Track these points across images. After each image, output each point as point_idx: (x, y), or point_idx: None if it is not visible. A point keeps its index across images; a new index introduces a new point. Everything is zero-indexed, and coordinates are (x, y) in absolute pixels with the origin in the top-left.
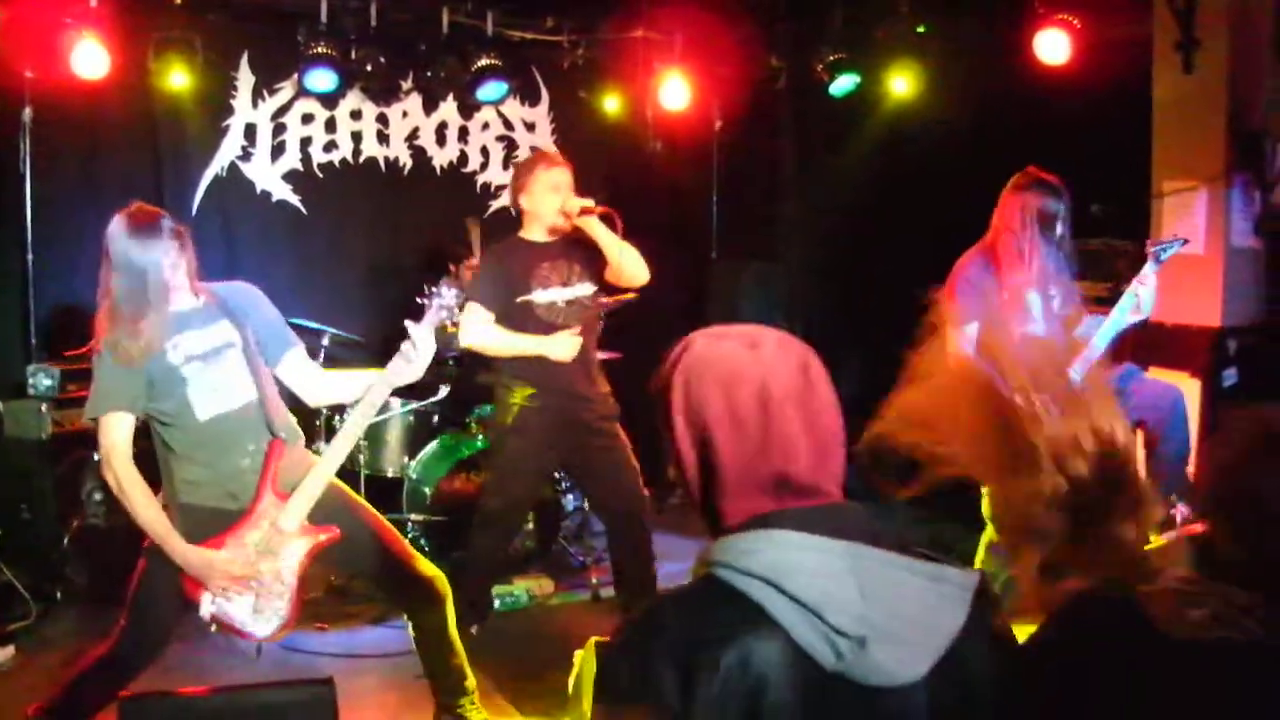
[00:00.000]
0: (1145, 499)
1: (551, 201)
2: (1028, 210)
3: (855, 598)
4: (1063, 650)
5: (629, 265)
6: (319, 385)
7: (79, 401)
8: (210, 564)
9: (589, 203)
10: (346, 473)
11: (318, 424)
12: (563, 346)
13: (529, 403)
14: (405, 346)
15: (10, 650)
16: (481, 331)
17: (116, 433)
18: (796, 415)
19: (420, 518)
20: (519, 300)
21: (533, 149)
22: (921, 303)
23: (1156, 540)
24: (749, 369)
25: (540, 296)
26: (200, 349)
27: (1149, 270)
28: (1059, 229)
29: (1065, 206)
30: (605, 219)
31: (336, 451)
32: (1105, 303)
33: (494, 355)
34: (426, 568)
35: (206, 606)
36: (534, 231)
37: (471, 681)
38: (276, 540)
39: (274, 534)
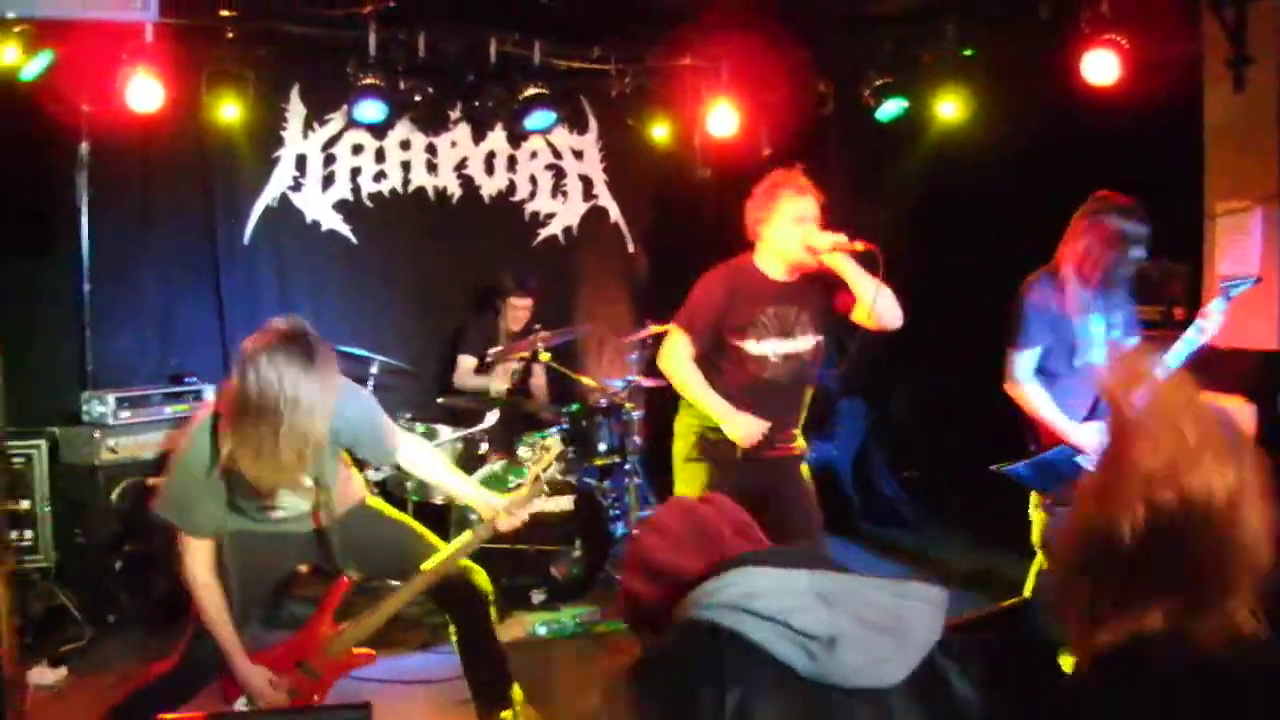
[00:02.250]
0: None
1: (795, 235)
2: (1108, 234)
3: (819, 606)
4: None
5: (883, 310)
6: (429, 471)
7: (133, 428)
8: (261, 686)
9: (842, 238)
10: (395, 499)
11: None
12: (745, 431)
13: (710, 434)
14: (495, 520)
15: (63, 672)
16: (681, 370)
17: (199, 553)
18: (714, 513)
19: None
20: (729, 340)
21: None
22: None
23: None
24: (670, 514)
25: (753, 349)
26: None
27: (1216, 307)
28: (1137, 253)
29: (1144, 230)
30: (865, 257)
31: (396, 599)
32: (1155, 326)
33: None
34: (467, 565)
35: (241, 705)
36: (768, 263)
37: (517, 693)
38: (322, 665)
39: (321, 660)
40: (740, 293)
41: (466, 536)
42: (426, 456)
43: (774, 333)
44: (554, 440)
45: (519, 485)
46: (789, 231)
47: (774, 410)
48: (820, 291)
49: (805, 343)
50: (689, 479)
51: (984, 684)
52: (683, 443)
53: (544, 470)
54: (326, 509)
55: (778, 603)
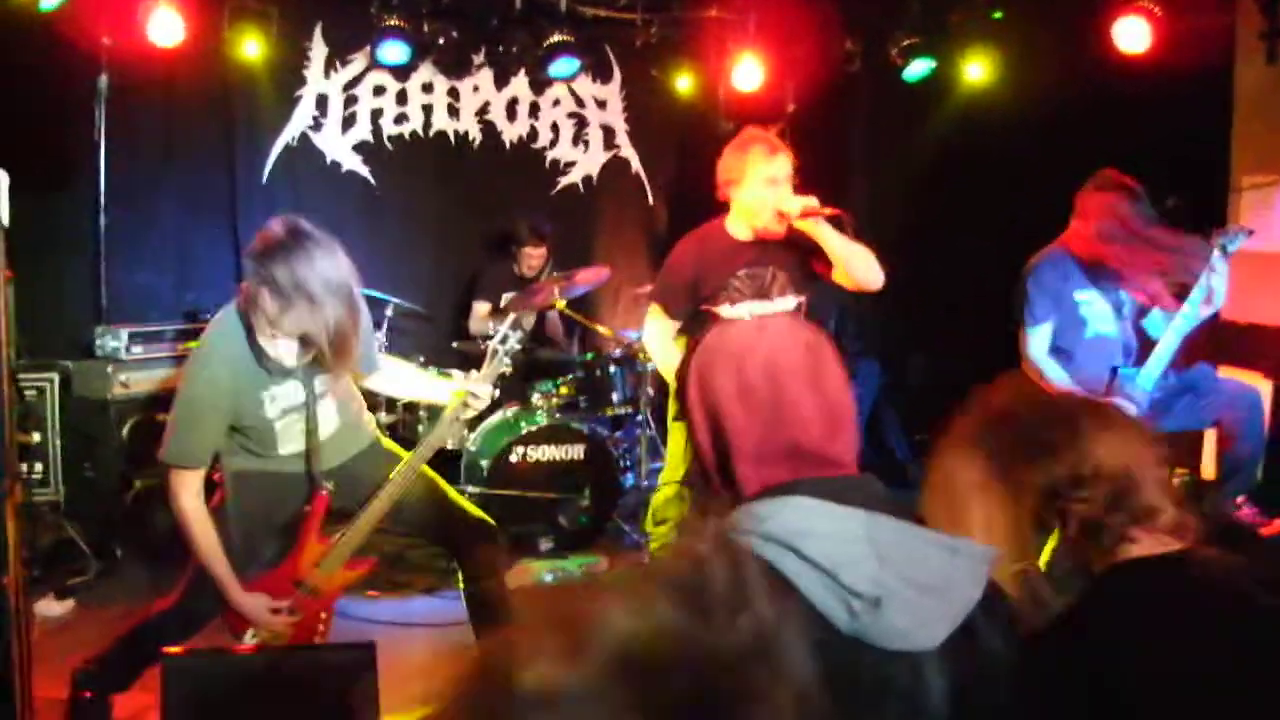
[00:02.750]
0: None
1: (766, 198)
2: (1112, 212)
3: (870, 560)
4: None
5: (859, 271)
6: (390, 382)
7: (145, 364)
8: (261, 612)
9: (813, 202)
10: (407, 443)
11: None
12: None
13: None
14: (457, 402)
15: (70, 604)
16: (658, 347)
17: (194, 484)
18: (805, 387)
19: (477, 490)
20: (704, 308)
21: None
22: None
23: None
24: (756, 347)
25: (727, 312)
26: (294, 401)
27: (1218, 261)
28: (1149, 225)
29: (1145, 209)
30: (834, 221)
31: (379, 505)
32: (1179, 297)
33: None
34: (476, 513)
35: (249, 639)
36: (739, 226)
37: None
38: (318, 581)
39: (318, 577)
40: (709, 259)
41: (438, 426)
42: (394, 368)
43: (748, 295)
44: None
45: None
46: (760, 194)
47: None
48: (796, 252)
49: (785, 304)
50: (678, 436)
51: (1015, 641)
52: (675, 401)
53: (500, 342)
54: (313, 435)
55: (829, 549)
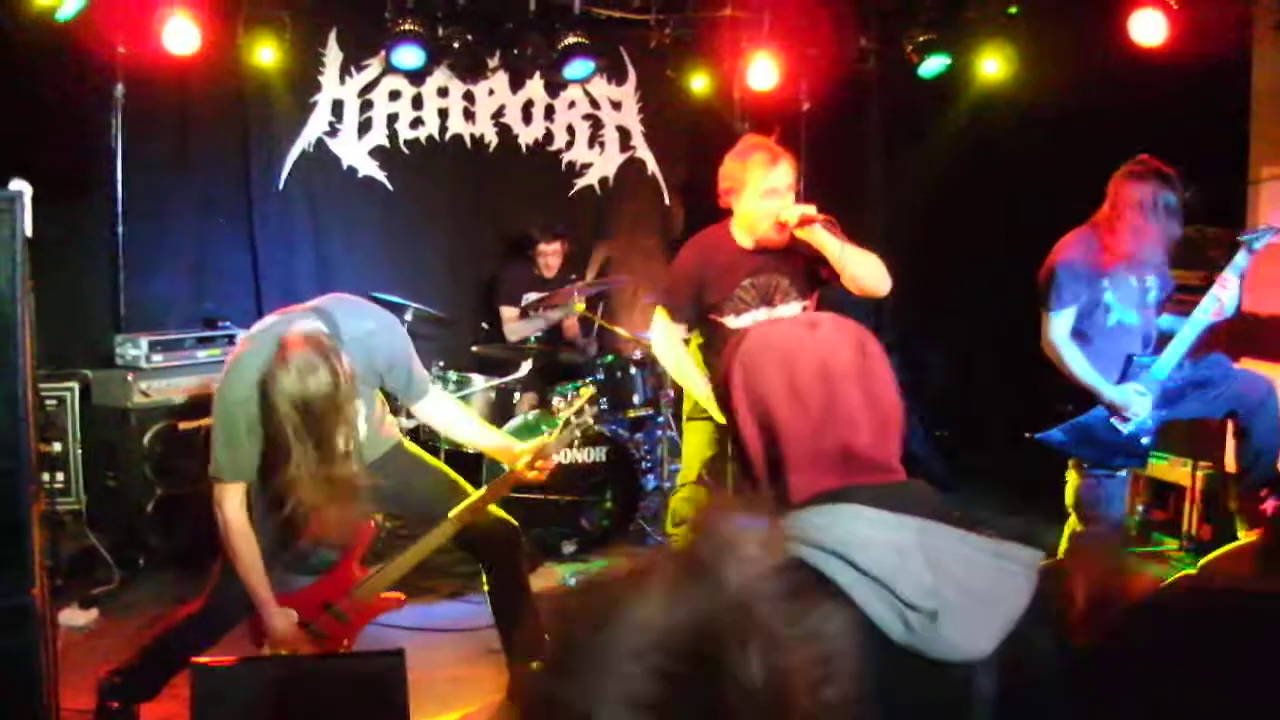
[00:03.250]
0: None
1: (766, 209)
2: (1148, 199)
3: (925, 571)
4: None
5: (864, 276)
6: (441, 419)
7: (165, 372)
8: (288, 628)
9: (810, 210)
10: (428, 448)
11: None
12: None
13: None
14: (520, 465)
15: (94, 614)
16: (666, 350)
17: (236, 497)
18: (857, 390)
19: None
20: (710, 316)
21: (743, 135)
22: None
23: (1245, 535)
24: (807, 348)
25: (732, 322)
26: None
27: (1228, 274)
28: (1173, 220)
29: (1179, 199)
30: (826, 226)
31: (425, 544)
32: (1196, 291)
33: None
34: (498, 514)
35: (269, 649)
36: (741, 234)
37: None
38: (349, 607)
39: (349, 604)
40: (714, 266)
41: (495, 483)
42: (448, 409)
43: (753, 304)
44: (587, 388)
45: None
46: (759, 205)
47: None
48: (801, 258)
49: (791, 310)
50: (693, 437)
51: (1064, 648)
52: (688, 401)
53: (574, 415)
54: (357, 451)
55: (883, 559)
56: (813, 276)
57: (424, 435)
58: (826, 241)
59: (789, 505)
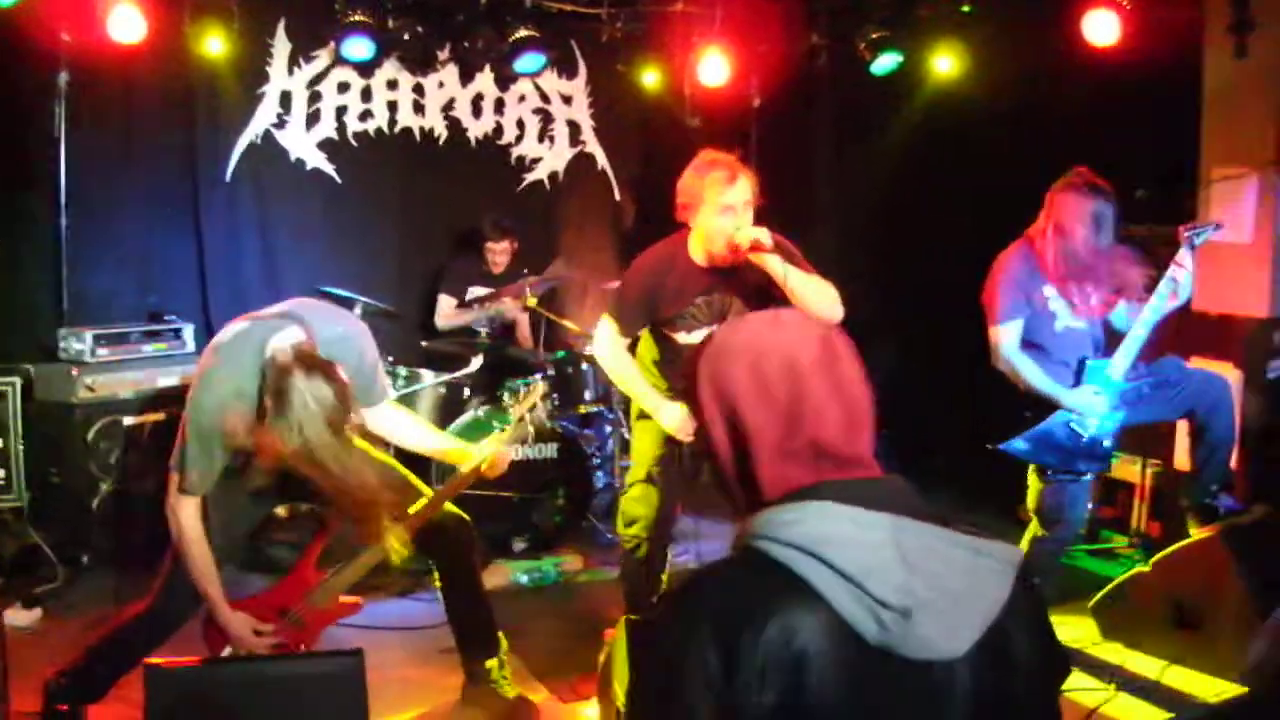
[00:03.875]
0: None
1: (721, 227)
2: (1081, 211)
3: (898, 568)
4: None
5: (813, 304)
6: (392, 428)
7: (110, 366)
8: (244, 632)
9: (763, 235)
10: (378, 443)
11: None
12: (675, 421)
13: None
14: (474, 465)
15: (37, 613)
16: (610, 359)
17: (193, 504)
18: (824, 384)
19: None
20: (663, 331)
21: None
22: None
23: (1197, 532)
24: (772, 343)
25: (683, 339)
26: None
27: (1184, 255)
28: (1106, 233)
29: (1114, 212)
30: (779, 252)
31: (376, 552)
32: (1146, 292)
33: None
34: (451, 511)
35: (228, 653)
36: (697, 250)
37: (503, 641)
38: (305, 612)
39: (306, 609)
40: (667, 283)
41: (451, 481)
42: (400, 420)
43: (705, 322)
44: (539, 385)
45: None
46: (714, 222)
47: None
48: (755, 278)
49: None
50: (642, 436)
51: (1041, 642)
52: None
53: (528, 411)
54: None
55: (855, 557)
56: (766, 296)
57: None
58: (776, 269)
59: (760, 503)
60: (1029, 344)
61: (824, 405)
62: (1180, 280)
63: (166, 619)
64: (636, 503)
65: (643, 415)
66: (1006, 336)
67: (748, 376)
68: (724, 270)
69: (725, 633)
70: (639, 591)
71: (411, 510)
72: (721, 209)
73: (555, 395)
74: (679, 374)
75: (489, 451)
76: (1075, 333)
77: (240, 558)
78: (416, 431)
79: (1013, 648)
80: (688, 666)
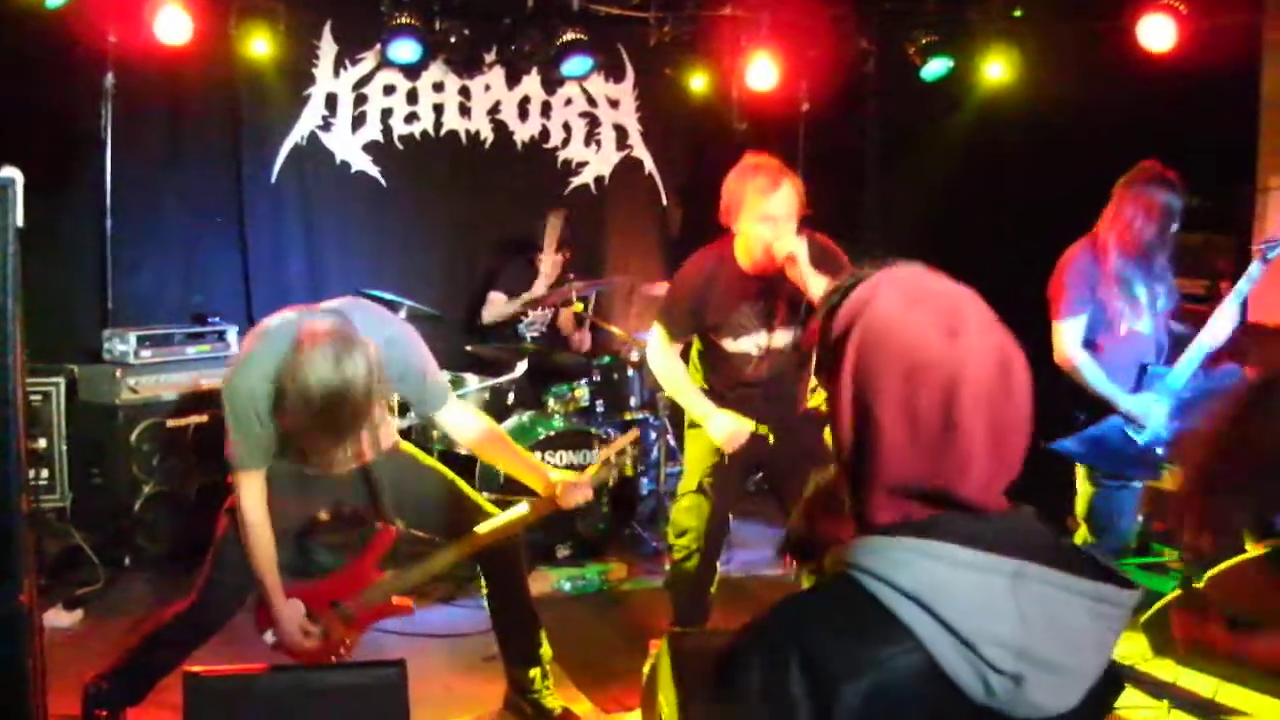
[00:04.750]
0: None
1: (760, 235)
2: (1151, 206)
3: (1014, 628)
4: None
5: None
6: (471, 439)
7: (153, 368)
8: (294, 620)
9: (798, 248)
10: (420, 447)
11: None
12: (725, 434)
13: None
14: (550, 494)
15: (79, 615)
16: (661, 365)
17: (254, 484)
18: (983, 428)
19: (493, 496)
20: (711, 338)
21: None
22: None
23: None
24: (940, 355)
25: (730, 346)
26: None
27: (1256, 267)
28: (1175, 227)
29: (1183, 205)
30: (827, 258)
31: (442, 558)
32: (1198, 300)
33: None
34: (496, 513)
35: (270, 637)
36: (743, 256)
37: (547, 650)
38: (356, 608)
39: (358, 604)
40: (716, 287)
41: (524, 509)
42: (471, 423)
43: (752, 329)
44: (633, 431)
45: (586, 466)
46: (754, 229)
47: (762, 405)
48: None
49: (787, 336)
50: (695, 445)
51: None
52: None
53: (616, 455)
54: (374, 446)
55: (969, 613)
56: (811, 305)
57: (414, 434)
58: (814, 285)
59: (866, 522)
60: (1091, 344)
61: (974, 456)
62: (1243, 293)
63: (207, 619)
64: (687, 513)
65: (695, 424)
66: (1070, 333)
67: (897, 391)
68: (769, 277)
69: (820, 679)
70: (687, 603)
71: (480, 530)
72: (761, 217)
73: (600, 401)
74: (722, 379)
75: (572, 480)
76: (1139, 336)
77: (288, 560)
78: (494, 444)
79: (1111, 695)
80: (773, 704)
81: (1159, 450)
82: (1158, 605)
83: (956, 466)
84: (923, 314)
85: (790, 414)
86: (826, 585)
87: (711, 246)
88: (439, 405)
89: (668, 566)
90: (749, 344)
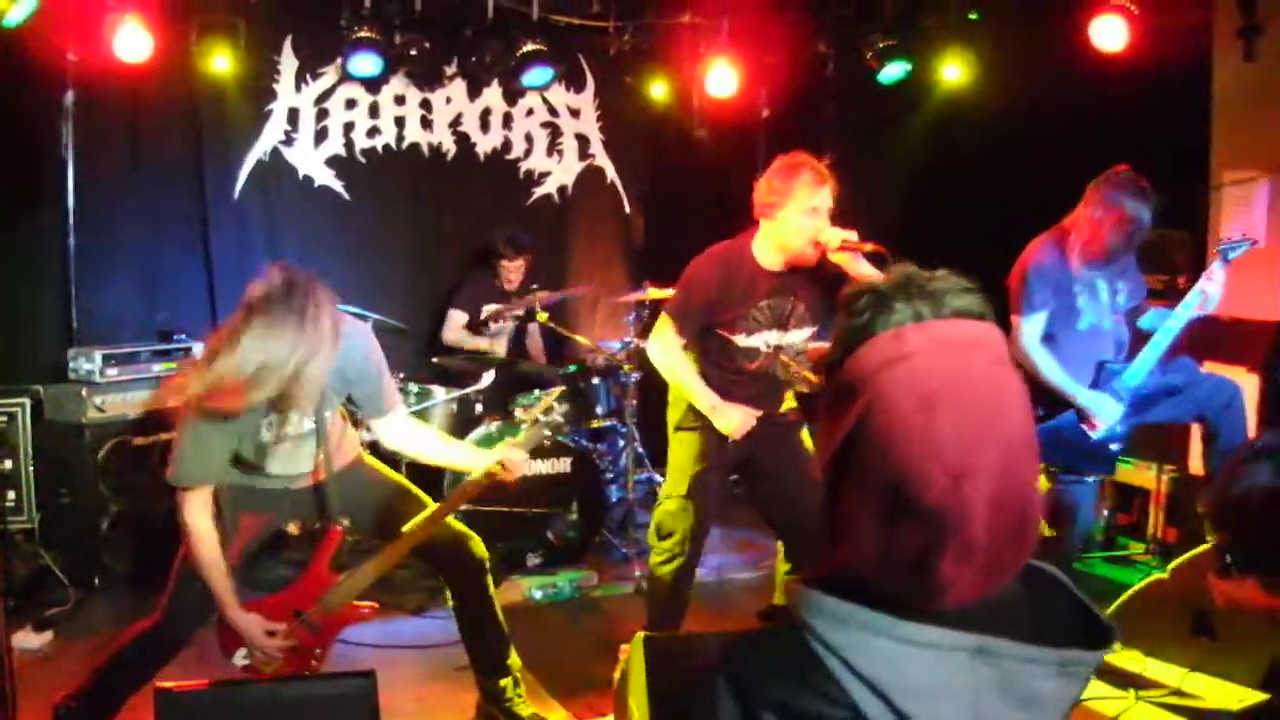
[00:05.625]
0: None
1: (806, 228)
2: (1123, 218)
3: (965, 706)
4: None
5: None
6: (405, 440)
7: (120, 386)
8: (256, 632)
9: (852, 236)
10: (389, 459)
11: None
12: (734, 424)
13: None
14: (485, 470)
15: (48, 636)
16: (665, 359)
17: (199, 498)
18: (968, 579)
19: (463, 507)
20: (719, 332)
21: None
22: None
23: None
24: (932, 507)
25: (742, 341)
26: (296, 430)
27: (1217, 269)
28: (1142, 234)
29: (1153, 214)
30: (874, 257)
31: (390, 553)
32: (1158, 295)
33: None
34: (462, 531)
35: (240, 659)
36: (767, 253)
37: (515, 660)
38: (318, 616)
39: (319, 612)
40: (732, 284)
41: (463, 486)
42: (413, 432)
43: (765, 326)
44: (554, 390)
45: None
46: (800, 223)
47: (766, 399)
48: (819, 283)
49: (800, 334)
50: (680, 447)
51: None
52: (675, 411)
53: (543, 414)
54: (326, 463)
55: (917, 694)
56: (829, 302)
57: (384, 451)
58: (864, 271)
59: (828, 565)
60: (1049, 338)
61: (947, 595)
62: (1210, 293)
63: (173, 635)
64: (674, 516)
65: (683, 426)
66: (1029, 329)
67: (881, 510)
68: (789, 274)
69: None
70: (663, 606)
71: (406, 527)
72: (809, 210)
73: (567, 406)
74: (720, 372)
75: (501, 456)
76: (1098, 332)
77: (251, 576)
78: (431, 442)
79: None
80: None
81: (1113, 446)
82: (1123, 597)
83: (924, 597)
84: (934, 432)
85: (774, 408)
86: (784, 634)
87: (725, 244)
88: (389, 410)
89: (648, 569)
90: (759, 340)
